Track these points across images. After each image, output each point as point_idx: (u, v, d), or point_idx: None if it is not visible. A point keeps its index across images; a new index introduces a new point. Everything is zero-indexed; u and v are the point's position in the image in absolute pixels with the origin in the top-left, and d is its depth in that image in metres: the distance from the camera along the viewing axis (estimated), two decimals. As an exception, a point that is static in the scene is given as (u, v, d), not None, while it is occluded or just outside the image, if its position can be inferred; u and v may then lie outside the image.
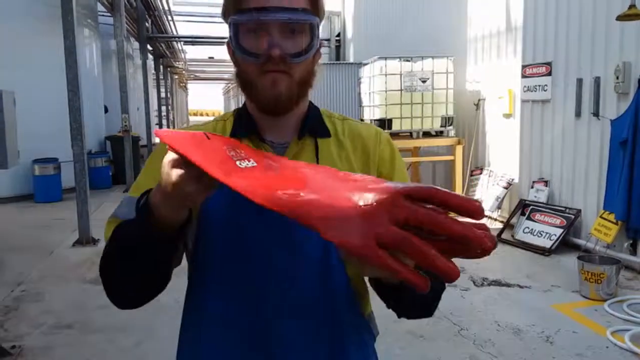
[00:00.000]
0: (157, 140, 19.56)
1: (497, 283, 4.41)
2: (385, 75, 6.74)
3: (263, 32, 0.94)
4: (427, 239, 0.59)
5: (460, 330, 3.47)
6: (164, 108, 19.95)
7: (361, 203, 0.62)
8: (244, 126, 1.05)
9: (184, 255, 1.07)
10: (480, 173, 6.81)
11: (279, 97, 0.97)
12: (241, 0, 0.95)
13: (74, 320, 3.73)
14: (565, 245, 5.25)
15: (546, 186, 5.70)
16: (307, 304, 1.01)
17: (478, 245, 0.58)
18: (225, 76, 31.63)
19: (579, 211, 5.23)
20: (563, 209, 5.39)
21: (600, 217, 4.71)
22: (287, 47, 0.95)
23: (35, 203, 8.34)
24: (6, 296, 4.18)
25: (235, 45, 0.97)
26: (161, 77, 18.91)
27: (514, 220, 5.93)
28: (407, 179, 1.14)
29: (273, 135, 1.04)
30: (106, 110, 11.62)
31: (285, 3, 0.94)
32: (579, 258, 4.20)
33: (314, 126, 1.06)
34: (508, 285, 4.37)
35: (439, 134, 6.99)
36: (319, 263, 1.01)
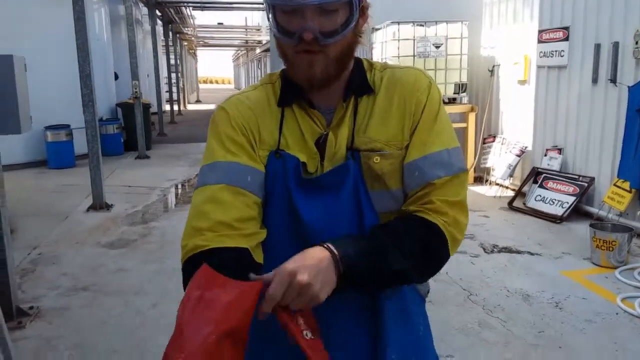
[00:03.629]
0: (167, 107, 19.25)
1: (507, 250, 4.42)
2: (398, 40, 6.62)
3: (297, 12, 0.93)
4: None
5: (470, 295, 3.50)
6: (173, 75, 19.84)
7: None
8: (292, 93, 1.06)
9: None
10: (493, 141, 6.74)
11: (314, 77, 0.98)
12: None
13: (89, 282, 3.80)
14: (577, 213, 5.22)
15: (560, 154, 5.63)
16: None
17: None
18: (235, 43, 31.23)
19: (593, 179, 5.18)
20: (576, 176, 5.34)
21: (614, 185, 4.66)
22: (321, 25, 0.93)
23: (49, 169, 8.44)
24: (23, 259, 4.27)
25: (272, 22, 0.97)
26: (170, 43, 18.73)
27: (525, 188, 5.90)
28: (436, 129, 1.07)
29: (321, 99, 1.06)
30: (116, 77, 11.57)
31: None
32: (591, 225, 4.18)
33: (358, 86, 1.07)
34: (518, 252, 4.37)
35: (452, 101, 6.89)
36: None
